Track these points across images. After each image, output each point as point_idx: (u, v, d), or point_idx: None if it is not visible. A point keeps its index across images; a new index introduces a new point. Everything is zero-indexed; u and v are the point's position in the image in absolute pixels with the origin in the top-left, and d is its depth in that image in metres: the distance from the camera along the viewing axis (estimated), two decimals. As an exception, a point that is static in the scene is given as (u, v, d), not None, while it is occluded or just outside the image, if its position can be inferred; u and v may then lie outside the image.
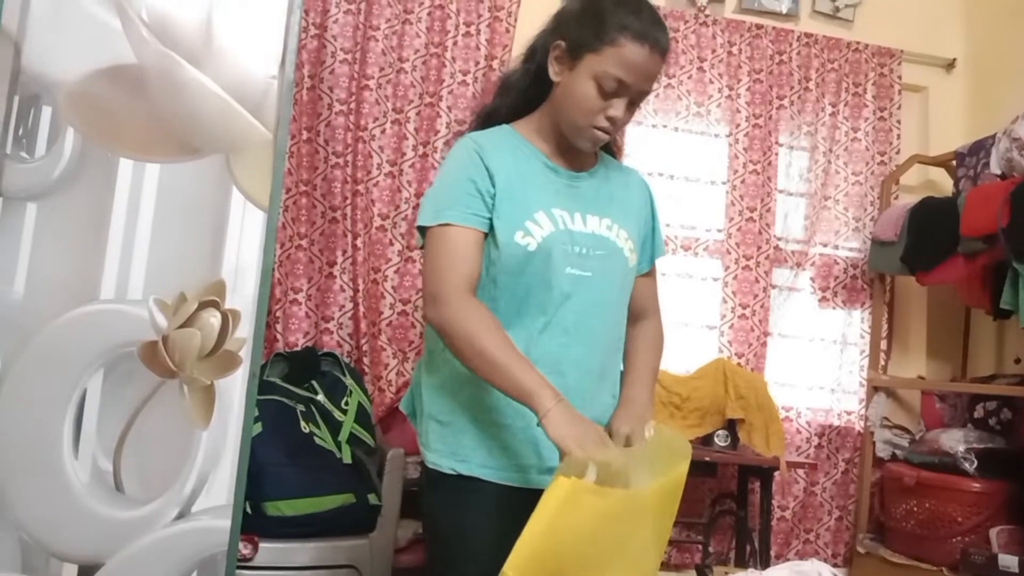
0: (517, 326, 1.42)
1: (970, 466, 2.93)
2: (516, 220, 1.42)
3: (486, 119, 1.58)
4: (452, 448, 1.45)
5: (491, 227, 1.43)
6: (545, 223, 1.43)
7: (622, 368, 1.57)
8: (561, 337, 1.43)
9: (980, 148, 3.22)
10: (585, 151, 1.51)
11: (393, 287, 3.05)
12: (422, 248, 1.47)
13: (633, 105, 1.43)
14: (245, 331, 1.69)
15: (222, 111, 1.69)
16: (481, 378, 1.35)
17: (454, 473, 1.44)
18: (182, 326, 1.64)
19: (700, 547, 3.21)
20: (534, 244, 1.42)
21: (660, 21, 1.43)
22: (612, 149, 1.65)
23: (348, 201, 3.02)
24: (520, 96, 1.55)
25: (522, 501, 1.43)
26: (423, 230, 1.45)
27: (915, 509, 3.07)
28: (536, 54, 1.52)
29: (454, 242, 1.40)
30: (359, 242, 2.99)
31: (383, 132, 3.09)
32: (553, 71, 1.46)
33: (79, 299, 1.65)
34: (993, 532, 2.81)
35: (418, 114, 3.12)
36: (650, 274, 1.64)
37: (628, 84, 1.39)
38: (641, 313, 1.60)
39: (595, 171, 1.55)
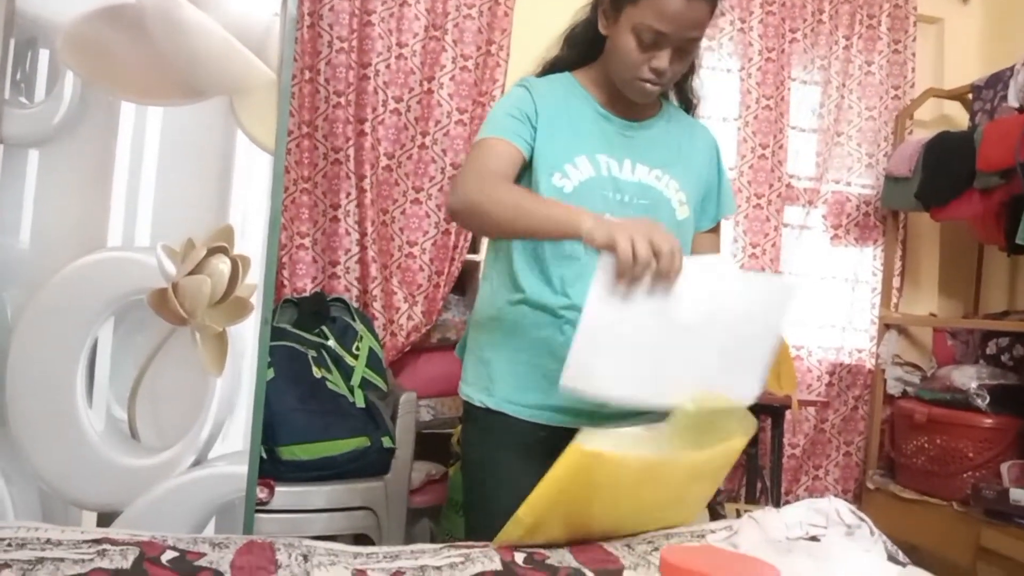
0: (552, 270, 1.43)
1: (982, 402, 2.92)
2: (555, 162, 1.42)
3: (548, 68, 1.57)
4: (484, 383, 1.48)
5: (532, 167, 1.43)
6: (585, 168, 1.42)
7: None
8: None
9: (997, 80, 3.14)
10: (639, 101, 1.47)
11: (400, 229, 3.01)
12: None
13: (683, 53, 1.39)
14: (255, 277, 1.67)
15: (224, 51, 1.65)
16: (515, 230, 1.34)
17: (483, 407, 1.48)
18: (191, 273, 1.62)
19: (710, 485, 3.24)
20: (569, 187, 1.40)
21: None
22: (689, 100, 1.61)
23: (351, 142, 2.96)
24: (582, 47, 1.53)
25: (550, 439, 1.44)
26: None
27: (926, 445, 3.08)
28: (596, 5, 1.49)
29: (490, 148, 1.40)
30: (366, 184, 2.94)
31: (387, 68, 3.01)
32: (601, 24, 1.44)
33: (86, 248, 1.63)
34: (1004, 467, 2.82)
35: (423, 48, 3.05)
36: (714, 231, 1.60)
37: (667, 34, 1.35)
38: None
39: (654, 121, 1.53)
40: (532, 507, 1.15)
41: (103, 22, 1.64)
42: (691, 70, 1.59)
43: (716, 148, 1.61)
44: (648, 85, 1.40)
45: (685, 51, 1.39)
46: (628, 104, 1.49)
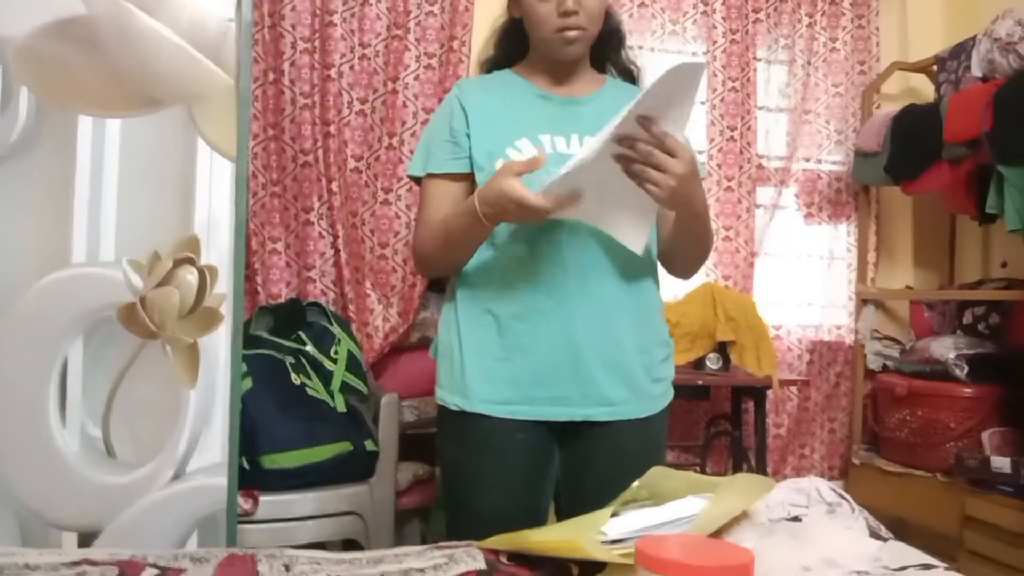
0: (511, 254, 1.44)
1: (961, 372, 2.95)
2: (496, 148, 1.45)
3: (488, 69, 1.63)
4: (457, 384, 1.48)
5: (475, 163, 1.48)
6: (527, 149, 1.44)
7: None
8: (554, 263, 1.43)
9: (961, 51, 3.16)
10: (571, 57, 1.50)
11: (371, 231, 3.00)
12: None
13: None
14: (224, 286, 1.65)
15: (180, 59, 1.62)
16: (459, 248, 1.44)
17: (458, 409, 1.47)
18: (159, 285, 1.60)
19: (697, 469, 3.25)
20: None
21: None
22: (628, 69, 1.64)
23: (319, 144, 2.94)
24: (509, 45, 1.59)
25: (528, 441, 1.43)
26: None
27: (908, 418, 3.10)
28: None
29: (433, 194, 1.49)
30: (334, 186, 2.92)
31: (351, 69, 2.99)
32: (513, 10, 1.52)
33: (50, 266, 1.60)
34: (985, 435, 2.85)
35: (386, 47, 3.03)
36: None
37: None
38: None
39: (598, 95, 1.54)
40: (535, 545, 1.12)
41: (55, 36, 1.61)
42: (620, 42, 1.63)
43: None
44: (567, 33, 1.44)
45: None
46: (570, 82, 1.53)
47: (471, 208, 1.35)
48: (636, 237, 1.41)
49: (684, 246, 1.49)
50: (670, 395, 1.56)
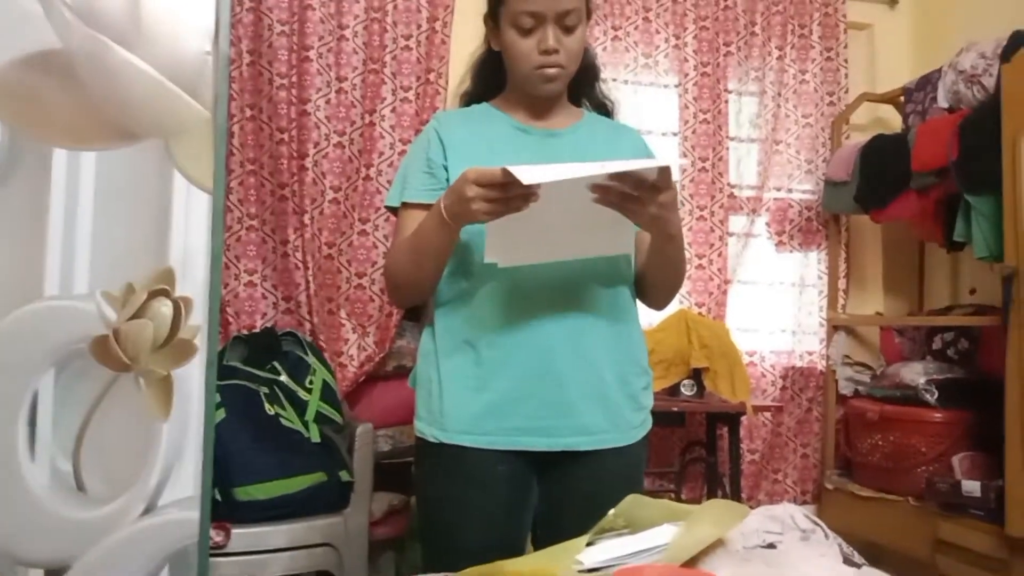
0: (489, 283, 1.43)
1: (931, 397, 2.98)
2: None
3: (467, 102, 1.64)
4: (435, 416, 1.46)
5: None
6: None
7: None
8: (532, 293, 1.42)
9: (927, 83, 3.23)
10: (549, 94, 1.51)
11: (348, 261, 3.00)
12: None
13: (567, 29, 1.43)
14: (199, 318, 1.65)
15: (156, 93, 1.63)
16: (428, 264, 1.42)
17: (437, 442, 1.45)
18: (132, 318, 1.59)
19: (673, 496, 3.25)
20: None
21: None
22: (603, 103, 1.66)
23: (295, 177, 2.95)
24: (487, 77, 1.60)
25: (507, 472, 1.42)
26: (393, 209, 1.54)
27: (880, 443, 3.13)
28: (486, 34, 1.56)
29: (407, 223, 1.47)
30: (306, 218, 2.93)
31: (327, 103, 3.01)
32: (492, 43, 1.52)
33: (23, 298, 1.59)
34: (955, 460, 2.87)
35: (363, 81, 3.05)
36: None
37: (540, 12, 1.41)
38: None
39: (576, 127, 1.56)
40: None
41: (30, 69, 1.61)
42: (595, 77, 1.65)
43: (644, 145, 1.64)
44: (547, 70, 1.45)
45: (567, 27, 1.43)
46: (548, 115, 1.54)
47: (436, 209, 1.35)
48: (619, 242, 1.41)
49: (658, 270, 1.50)
50: (649, 424, 1.55)
